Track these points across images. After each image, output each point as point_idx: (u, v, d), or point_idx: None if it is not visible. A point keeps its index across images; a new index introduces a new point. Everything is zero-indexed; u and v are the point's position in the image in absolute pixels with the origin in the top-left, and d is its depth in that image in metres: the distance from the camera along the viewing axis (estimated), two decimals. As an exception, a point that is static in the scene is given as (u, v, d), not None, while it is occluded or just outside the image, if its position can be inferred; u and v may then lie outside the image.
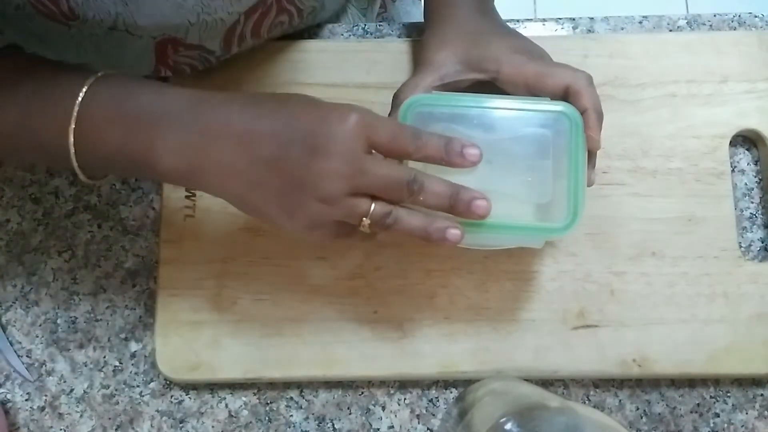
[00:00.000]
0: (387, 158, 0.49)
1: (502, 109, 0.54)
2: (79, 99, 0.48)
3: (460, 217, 0.49)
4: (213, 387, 0.61)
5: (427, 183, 0.48)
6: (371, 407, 0.60)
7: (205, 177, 0.49)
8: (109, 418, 0.60)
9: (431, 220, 0.49)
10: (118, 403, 0.60)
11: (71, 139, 0.48)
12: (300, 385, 0.60)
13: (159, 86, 0.50)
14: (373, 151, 0.49)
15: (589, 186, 0.54)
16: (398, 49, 0.65)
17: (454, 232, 0.49)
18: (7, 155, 0.58)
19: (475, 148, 0.50)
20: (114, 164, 0.50)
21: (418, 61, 0.59)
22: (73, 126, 0.47)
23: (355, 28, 0.68)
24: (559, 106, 0.53)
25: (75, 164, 0.49)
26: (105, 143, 0.48)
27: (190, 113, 0.48)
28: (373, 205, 0.47)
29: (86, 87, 0.48)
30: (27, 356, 0.61)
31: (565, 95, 0.54)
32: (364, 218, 0.48)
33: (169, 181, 0.50)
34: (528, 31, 0.67)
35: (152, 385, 0.61)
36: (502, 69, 0.55)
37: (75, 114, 0.47)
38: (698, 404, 0.60)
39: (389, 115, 0.57)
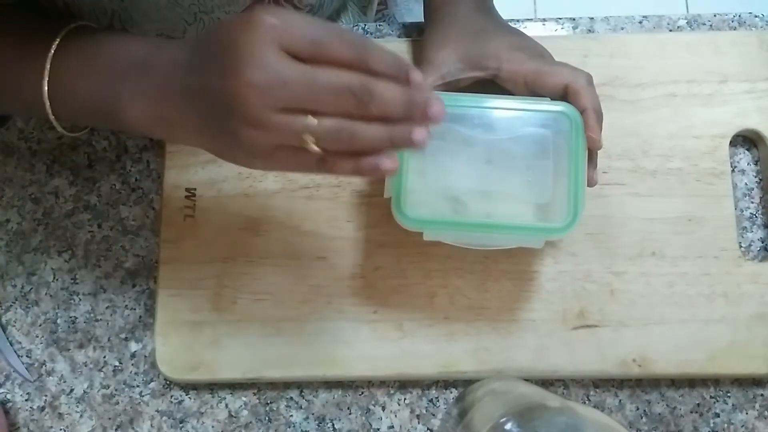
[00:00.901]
0: (320, 65, 0.40)
1: (502, 109, 0.54)
2: (51, 52, 0.47)
3: (416, 124, 0.42)
4: (213, 387, 0.61)
5: (377, 89, 0.41)
6: (371, 407, 0.60)
7: (165, 128, 0.46)
8: (109, 418, 0.60)
9: (393, 127, 0.42)
10: (118, 403, 0.60)
11: (45, 90, 0.47)
12: (300, 385, 0.60)
13: (125, 37, 0.49)
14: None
15: (591, 186, 0.54)
16: (398, 48, 0.65)
17: (421, 133, 0.42)
18: None
19: (419, 72, 0.42)
20: (86, 115, 0.50)
21: (419, 60, 0.59)
22: (46, 78, 0.47)
23: (355, 28, 0.68)
24: (559, 106, 0.53)
25: (51, 115, 0.49)
26: (76, 94, 0.48)
27: (149, 65, 0.46)
28: (311, 119, 0.40)
29: (58, 40, 0.48)
30: (27, 356, 0.61)
31: (564, 94, 0.54)
32: (307, 136, 0.41)
33: (136, 131, 0.48)
34: (528, 31, 0.67)
35: (152, 385, 0.61)
36: (503, 66, 0.55)
37: (48, 67, 0.47)
38: (698, 404, 0.60)
39: None
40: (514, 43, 0.56)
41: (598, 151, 0.54)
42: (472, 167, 0.53)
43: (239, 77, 0.39)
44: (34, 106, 0.49)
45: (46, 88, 0.48)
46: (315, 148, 0.41)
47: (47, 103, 0.48)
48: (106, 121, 0.49)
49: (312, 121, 0.40)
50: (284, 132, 0.41)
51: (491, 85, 0.56)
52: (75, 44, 0.48)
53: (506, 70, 0.55)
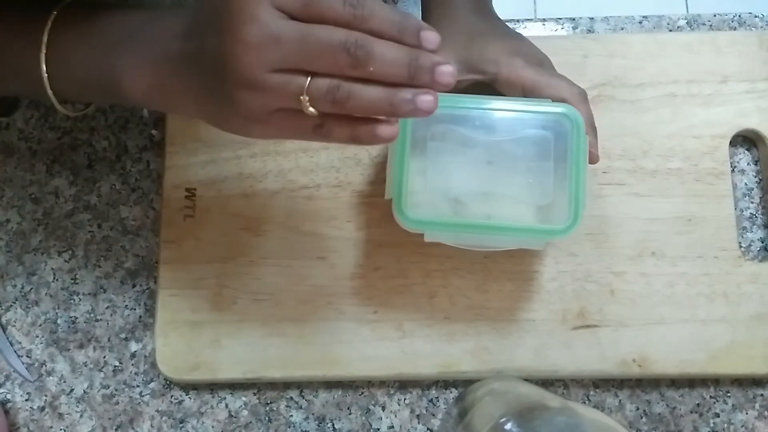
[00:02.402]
0: (316, 23, 0.40)
1: (503, 110, 0.54)
2: (48, 26, 0.47)
3: (423, 88, 0.40)
4: (213, 387, 0.61)
5: (376, 47, 0.39)
6: (371, 407, 0.60)
7: (164, 97, 0.46)
8: (109, 418, 0.60)
9: (394, 88, 0.40)
10: (118, 403, 0.60)
11: (43, 66, 0.47)
12: (300, 385, 0.60)
13: (122, 9, 0.49)
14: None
15: (593, 163, 0.54)
16: (398, 49, 0.65)
17: (425, 98, 0.40)
18: None
19: (435, 32, 0.41)
20: (85, 89, 0.50)
21: None
22: (43, 52, 0.47)
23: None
24: (560, 108, 0.53)
25: (49, 91, 0.48)
26: (74, 67, 0.48)
27: (145, 34, 0.46)
28: (308, 79, 0.39)
29: (55, 13, 0.48)
30: (27, 356, 0.61)
31: None
32: (303, 97, 0.39)
33: (134, 102, 0.48)
34: (528, 31, 0.67)
35: (152, 385, 0.61)
36: (501, 71, 0.55)
37: (44, 41, 0.47)
38: (698, 404, 0.60)
39: None
40: (513, 47, 0.56)
41: (598, 152, 0.55)
42: (473, 169, 0.53)
43: (233, 36, 0.39)
44: (33, 84, 0.49)
45: (44, 63, 0.47)
46: (311, 109, 0.40)
47: (45, 78, 0.47)
48: (105, 93, 0.49)
49: (306, 80, 0.39)
50: (280, 92, 0.40)
51: (489, 87, 0.56)
52: (72, 18, 0.48)
53: (504, 76, 0.55)
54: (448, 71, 0.40)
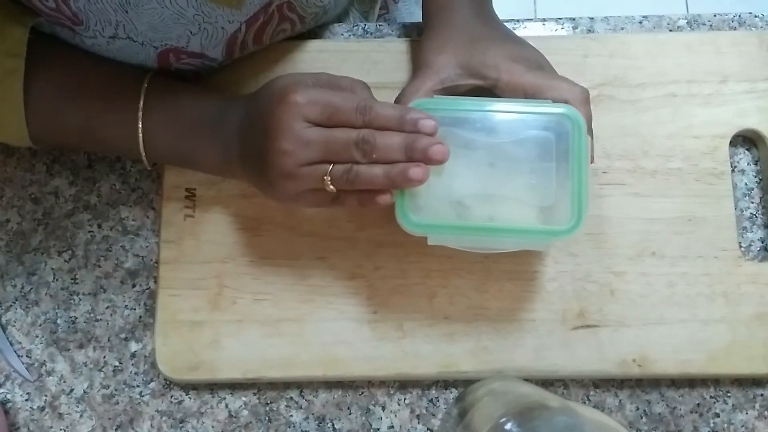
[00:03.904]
0: (335, 127, 0.52)
1: (504, 112, 0.54)
2: (140, 106, 0.56)
3: (421, 164, 0.51)
4: (213, 387, 0.61)
5: (378, 139, 0.51)
6: (371, 407, 0.60)
7: (229, 173, 0.59)
8: (109, 418, 0.60)
9: (391, 166, 0.51)
10: (118, 403, 0.60)
11: (141, 143, 0.57)
12: (300, 385, 0.60)
13: (198, 92, 0.59)
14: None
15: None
16: (398, 49, 0.65)
17: (415, 171, 0.50)
18: (70, 150, 0.66)
19: (432, 119, 0.51)
20: (168, 158, 0.60)
21: (418, 63, 0.59)
22: (141, 134, 0.57)
23: (355, 27, 0.68)
24: (561, 109, 0.53)
25: (145, 160, 0.58)
26: (161, 143, 0.57)
27: (221, 118, 0.57)
28: (330, 167, 0.52)
29: (143, 94, 0.57)
30: (27, 356, 0.61)
31: None
32: (326, 178, 0.52)
33: (210, 172, 0.60)
34: (528, 31, 0.67)
35: (152, 385, 0.61)
36: (501, 77, 0.55)
37: (140, 125, 0.57)
38: (698, 404, 0.60)
39: None
40: (513, 52, 0.56)
41: (598, 152, 0.55)
42: (475, 171, 0.53)
43: (276, 146, 0.51)
44: (129, 153, 0.60)
45: (142, 140, 0.57)
46: (331, 187, 0.52)
47: (143, 153, 0.57)
48: (183, 163, 0.60)
49: (328, 167, 0.52)
50: (308, 178, 0.52)
51: (489, 91, 0.56)
52: (157, 99, 0.57)
53: (505, 82, 0.55)
54: (440, 150, 0.51)
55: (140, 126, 0.56)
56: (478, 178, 0.53)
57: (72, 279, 0.63)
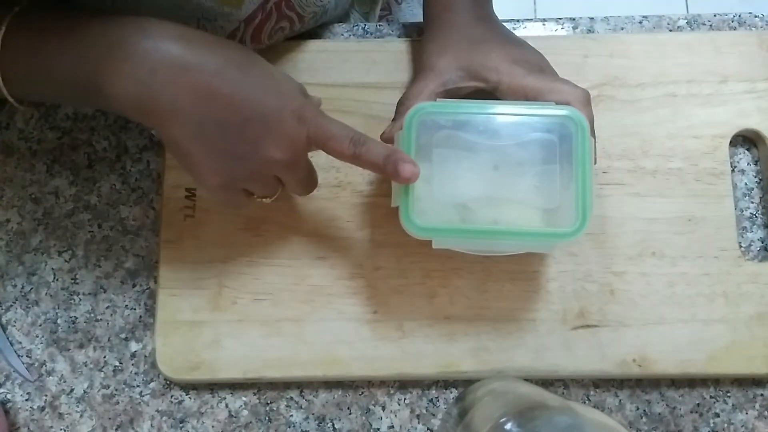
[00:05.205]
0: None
1: (507, 114, 0.53)
2: (3, 30, 0.48)
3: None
4: (213, 387, 0.61)
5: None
6: (371, 407, 0.60)
7: (151, 114, 0.48)
8: (109, 418, 0.60)
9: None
10: (118, 403, 0.60)
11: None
12: (300, 385, 0.60)
13: (108, 14, 0.49)
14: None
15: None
16: (398, 49, 0.65)
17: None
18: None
19: (412, 165, 0.51)
20: (63, 91, 0.50)
21: (420, 65, 0.59)
22: None
23: (355, 28, 0.68)
24: (563, 110, 0.53)
25: (4, 89, 0.49)
26: (35, 69, 0.48)
27: (139, 45, 0.47)
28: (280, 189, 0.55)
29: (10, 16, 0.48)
30: (27, 356, 0.61)
31: None
32: (267, 200, 0.56)
33: (115, 109, 0.48)
34: (528, 31, 0.67)
35: (152, 385, 0.61)
36: (502, 80, 0.55)
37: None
38: (698, 404, 0.60)
39: (393, 121, 0.57)
40: (514, 55, 0.56)
41: (598, 152, 0.55)
42: (478, 174, 0.53)
43: (274, 152, 0.50)
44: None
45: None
46: (266, 200, 0.57)
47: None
48: (85, 98, 0.50)
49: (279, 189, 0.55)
50: (264, 188, 0.54)
51: (490, 94, 0.56)
52: (29, 22, 0.48)
53: (506, 84, 0.55)
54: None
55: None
56: (481, 180, 0.53)
57: (72, 279, 0.63)
